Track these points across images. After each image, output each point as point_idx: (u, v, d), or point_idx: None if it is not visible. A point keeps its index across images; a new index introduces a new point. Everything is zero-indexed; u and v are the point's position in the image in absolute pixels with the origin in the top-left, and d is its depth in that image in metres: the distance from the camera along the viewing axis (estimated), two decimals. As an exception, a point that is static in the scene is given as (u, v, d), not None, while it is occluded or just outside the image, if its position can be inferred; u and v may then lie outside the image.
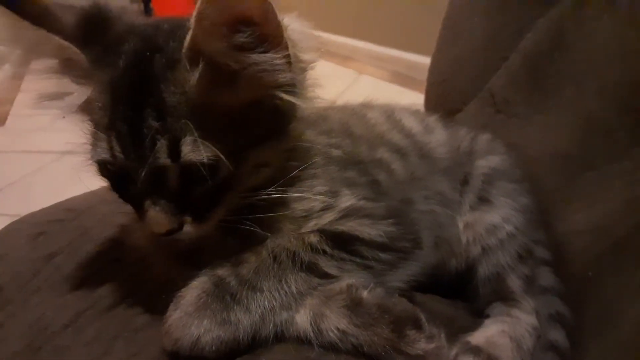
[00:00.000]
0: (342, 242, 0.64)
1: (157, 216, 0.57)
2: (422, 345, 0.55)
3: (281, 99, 0.60)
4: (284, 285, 0.59)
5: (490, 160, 0.94)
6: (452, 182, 0.92)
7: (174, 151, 0.55)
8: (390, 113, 1.00)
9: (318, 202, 0.67)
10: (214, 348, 0.54)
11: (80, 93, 0.58)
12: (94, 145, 0.59)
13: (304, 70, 0.62)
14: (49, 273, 0.77)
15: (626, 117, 0.78)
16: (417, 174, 0.88)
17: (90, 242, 0.82)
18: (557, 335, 0.74)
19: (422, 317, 0.58)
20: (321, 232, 0.65)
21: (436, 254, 0.83)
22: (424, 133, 0.98)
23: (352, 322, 0.57)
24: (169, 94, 0.55)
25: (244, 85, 0.58)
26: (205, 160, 0.55)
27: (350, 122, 0.90)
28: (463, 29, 1.29)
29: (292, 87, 0.60)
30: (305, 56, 0.61)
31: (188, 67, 0.55)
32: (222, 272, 0.60)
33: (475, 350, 0.70)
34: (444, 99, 1.34)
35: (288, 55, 0.57)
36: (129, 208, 0.62)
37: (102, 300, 0.71)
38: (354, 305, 0.58)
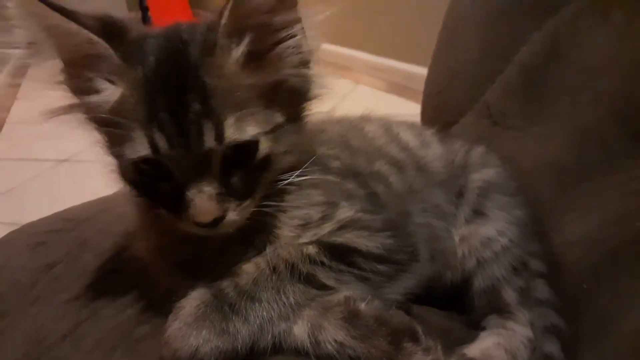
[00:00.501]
0: (340, 254, 0.64)
1: (205, 204, 0.57)
2: (419, 357, 0.56)
3: (301, 75, 0.63)
4: (282, 296, 0.60)
5: (484, 173, 0.94)
6: (447, 195, 0.92)
7: (219, 133, 0.56)
8: (388, 126, 1.01)
9: (317, 211, 0.68)
10: (212, 358, 0.54)
11: (112, 90, 0.57)
12: (128, 143, 0.57)
13: (312, 52, 0.64)
14: (47, 283, 0.78)
15: (621, 128, 0.79)
16: (414, 187, 0.88)
17: (89, 252, 0.83)
18: (552, 348, 0.75)
19: (419, 329, 0.59)
20: (319, 243, 0.65)
21: (432, 266, 0.83)
22: (421, 147, 0.99)
23: (350, 334, 0.57)
24: (209, 78, 0.56)
25: (270, 66, 0.60)
26: (248, 138, 0.57)
27: (348, 134, 0.91)
28: (459, 40, 1.29)
29: (308, 65, 0.64)
30: (312, 42, 0.64)
31: (225, 48, 0.58)
32: (220, 282, 0.60)
33: (471, 362, 0.70)
34: (440, 110, 1.34)
35: (303, 30, 0.61)
36: (130, 216, 0.62)
37: (101, 311, 0.71)
38: (352, 317, 0.58)
